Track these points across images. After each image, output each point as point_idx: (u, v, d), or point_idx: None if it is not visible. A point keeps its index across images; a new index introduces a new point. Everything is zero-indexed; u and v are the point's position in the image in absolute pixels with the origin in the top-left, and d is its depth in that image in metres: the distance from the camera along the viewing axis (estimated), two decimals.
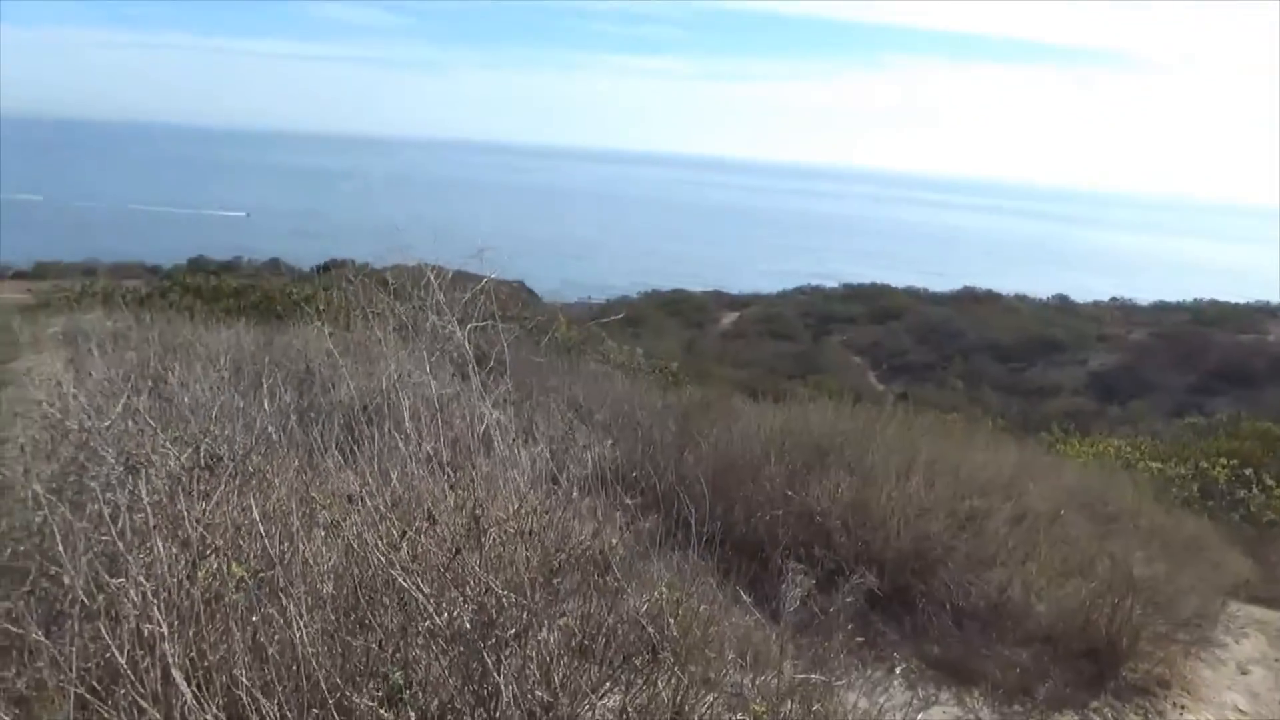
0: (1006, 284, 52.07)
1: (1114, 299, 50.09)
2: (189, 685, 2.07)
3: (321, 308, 10.54)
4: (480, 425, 4.52)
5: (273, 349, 7.67)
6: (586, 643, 2.54)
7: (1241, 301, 45.80)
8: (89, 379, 3.82)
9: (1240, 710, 5.50)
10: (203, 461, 2.85)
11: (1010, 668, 5.22)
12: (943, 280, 53.78)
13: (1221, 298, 47.87)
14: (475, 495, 2.79)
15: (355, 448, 3.86)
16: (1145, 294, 51.36)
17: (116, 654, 2.13)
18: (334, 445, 3.67)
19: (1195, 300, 47.53)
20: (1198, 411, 24.48)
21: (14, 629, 2.18)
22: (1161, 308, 46.96)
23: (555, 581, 2.54)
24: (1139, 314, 45.61)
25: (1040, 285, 52.53)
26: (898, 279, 53.77)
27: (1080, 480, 7.54)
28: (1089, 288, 54.65)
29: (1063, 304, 47.36)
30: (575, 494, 4.67)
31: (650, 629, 2.55)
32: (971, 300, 46.56)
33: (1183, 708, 5.34)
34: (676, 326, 41.18)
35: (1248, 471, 10.88)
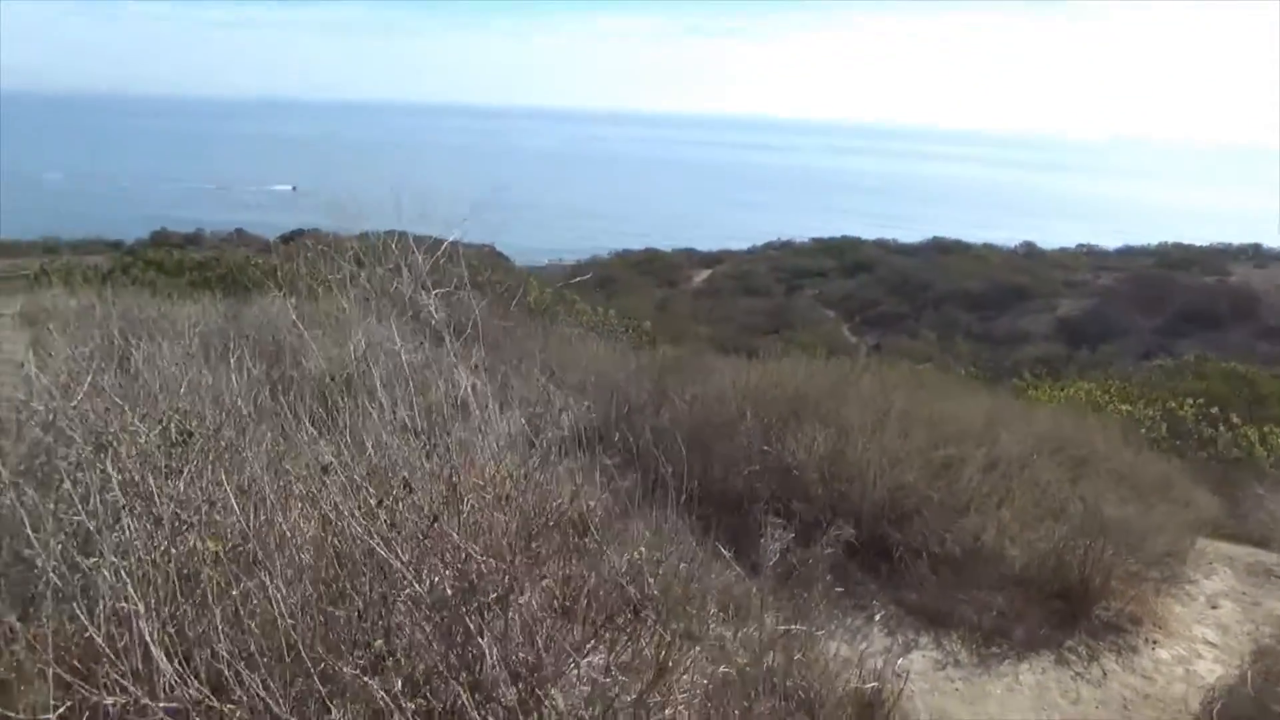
0: (974, 233, 52.34)
1: (1081, 245, 50.51)
2: (170, 661, 2.06)
3: (286, 279, 10.41)
4: (455, 391, 4.49)
5: (240, 322, 7.58)
6: (568, 604, 2.55)
7: (1205, 244, 46.32)
8: (52, 359, 3.76)
9: (1210, 643, 5.64)
10: (173, 438, 2.81)
11: (987, 611, 5.32)
12: (911, 231, 53.91)
13: (1185, 240, 48.39)
14: (451, 462, 2.77)
15: (329, 419, 3.82)
16: (1111, 240, 51.78)
17: (94, 634, 2.12)
18: (307, 417, 3.64)
19: (1160, 244, 48.02)
20: (1165, 354, 24.87)
21: None
22: (1128, 252, 47.43)
23: (534, 545, 2.54)
24: (1106, 260, 46.05)
25: (1007, 234, 52.83)
26: (865, 232, 53.82)
27: (1051, 425, 7.64)
28: (1056, 235, 55.03)
29: (1030, 252, 47.70)
30: (553, 457, 4.69)
31: (631, 588, 2.56)
32: (940, 250, 46.78)
33: (1155, 642, 5.47)
34: (649, 285, 41.10)
35: (1214, 410, 11.10)
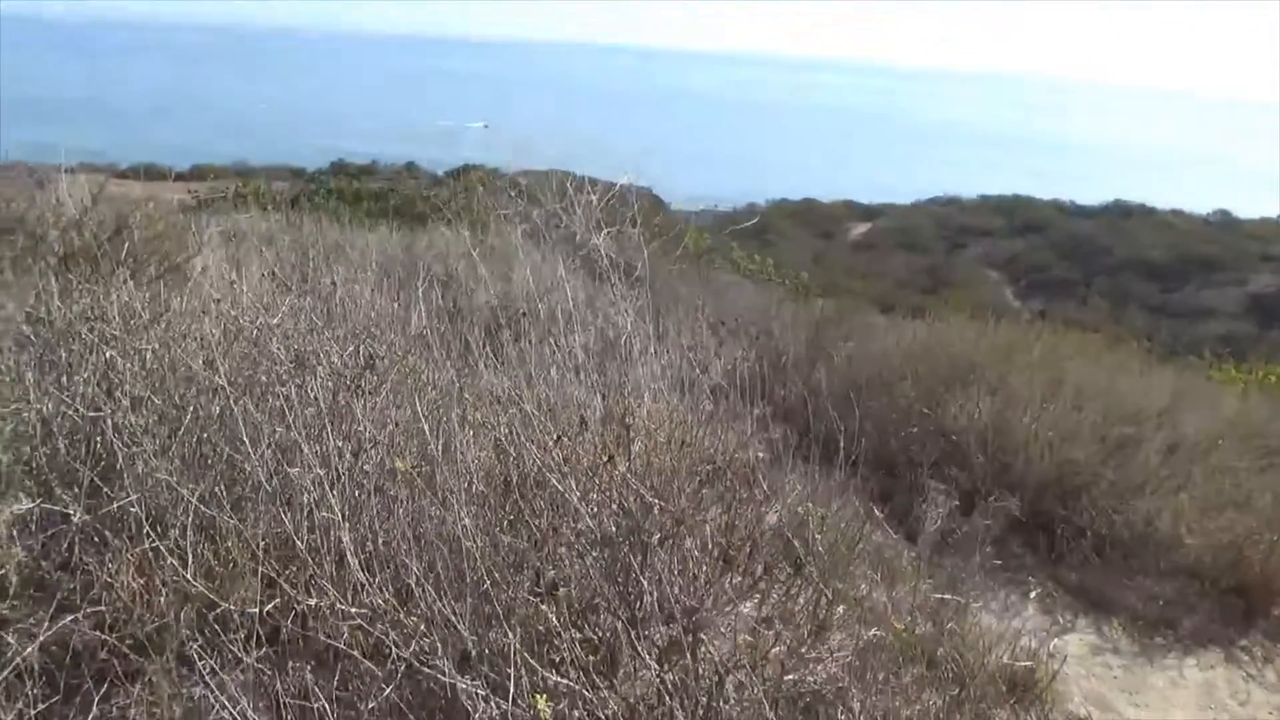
0: (1162, 198, 48.61)
1: None
2: (360, 569, 2.20)
3: (459, 211, 10.76)
4: (620, 332, 4.56)
5: (413, 252, 7.90)
6: (731, 552, 2.57)
7: None
8: (251, 278, 4.02)
9: None
10: (363, 360, 2.97)
11: (1153, 599, 5.06)
12: (1092, 192, 50.57)
13: None
14: (625, 403, 2.83)
15: (500, 351, 3.95)
16: None
17: (295, 537, 2.28)
18: (480, 347, 3.77)
19: None
20: None
21: (206, 510, 2.36)
22: None
23: (703, 491, 2.57)
24: None
25: (1200, 201, 48.85)
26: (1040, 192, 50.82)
27: (1240, 409, 7.10)
28: (1254, 204, 50.54)
29: (1224, 220, 44.04)
30: (709, 404, 4.70)
31: (795, 542, 2.56)
32: (1122, 214, 43.79)
33: None
34: (806, 237, 40.34)
35: None
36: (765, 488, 2.64)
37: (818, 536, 2.56)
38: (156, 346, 2.86)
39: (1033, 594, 5.02)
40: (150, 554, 2.27)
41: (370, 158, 43.95)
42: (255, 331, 3.09)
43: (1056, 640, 4.65)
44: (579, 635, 2.61)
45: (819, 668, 2.86)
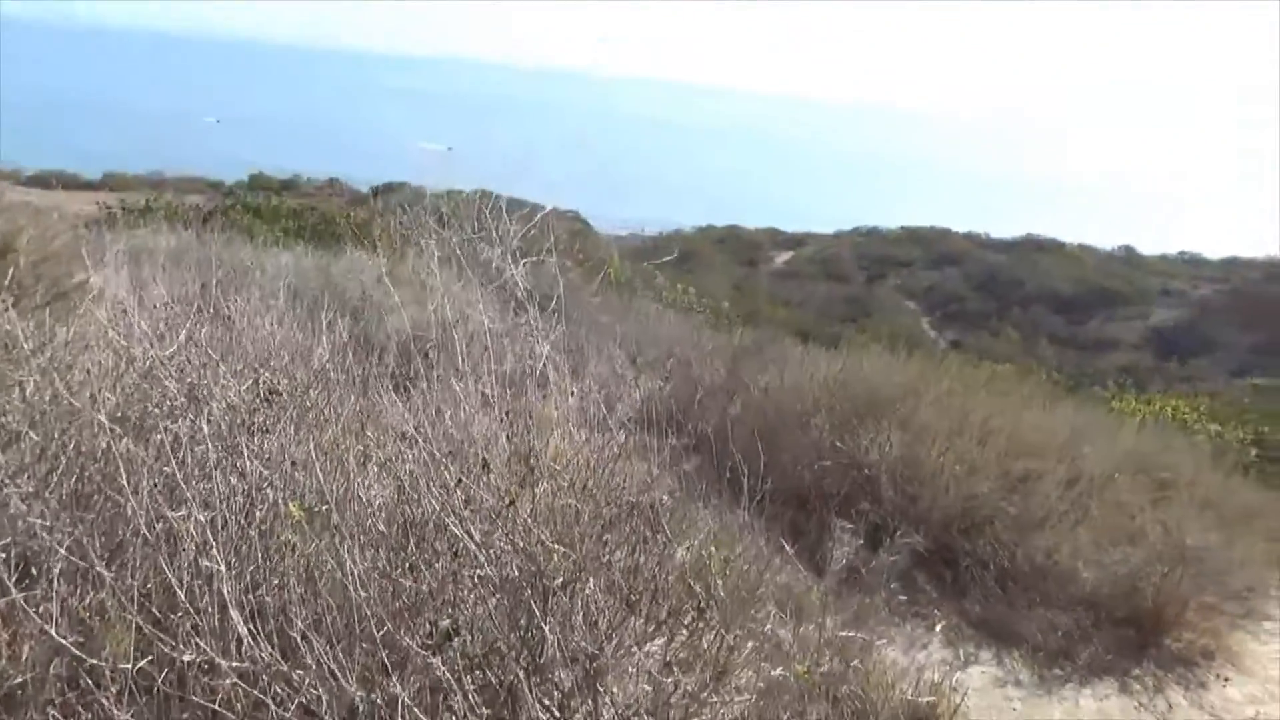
0: (1071, 233, 50.48)
1: (1183, 253, 48.50)
2: (245, 623, 2.12)
3: (377, 233, 10.59)
4: (534, 363, 4.52)
5: (329, 274, 7.75)
6: (633, 596, 2.55)
7: None
8: (150, 303, 3.87)
9: None
10: (262, 394, 2.88)
11: (1052, 631, 5.19)
12: (1005, 226, 52.27)
13: None
14: (529, 441, 2.79)
15: (409, 383, 3.88)
16: (1216, 249, 49.56)
17: (176, 586, 2.19)
18: (388, 380, 3.70)
19: (1270, 257, 45.78)
20: (1261, 373, 23.83)
21: (77, 559, 2.25)
22: (1233, 264, 45.35)
23: (605, 537, 2.55)
24: (1208, 268, 44.15)
25: (1103, 235, 50.87)
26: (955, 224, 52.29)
27: (1136, 443, 7.37)
28: (1156, 240, 52.90)
29: (1128, 255, 45.97)
30: (624, 437, 4.69)
31: (697, 587, 2.55)
32: (1033, 248, 45.37)
33: (1226, 679, 5.27)
34: (729, 263, 40.80)
35: None
36: (668, 533, 2.63)
37: (719, 581, 2.56)
38: (38, 378, 2.73)
39: (938, 628, 5.10)
40: (18, 604, 2.15)
41: (292, 172, 42.97)
42: (147, 363, 2.97)
43: (959, 674, 4.73)
44: (478, 683, 2.56)
45: (722, 710, 2.86)
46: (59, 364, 2.85)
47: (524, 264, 5.64)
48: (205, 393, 2.83)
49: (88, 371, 2.95)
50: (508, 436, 2.88)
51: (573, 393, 4.99)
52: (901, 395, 6.32)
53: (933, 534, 5.33)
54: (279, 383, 2.97)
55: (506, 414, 3.50)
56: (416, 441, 2.93)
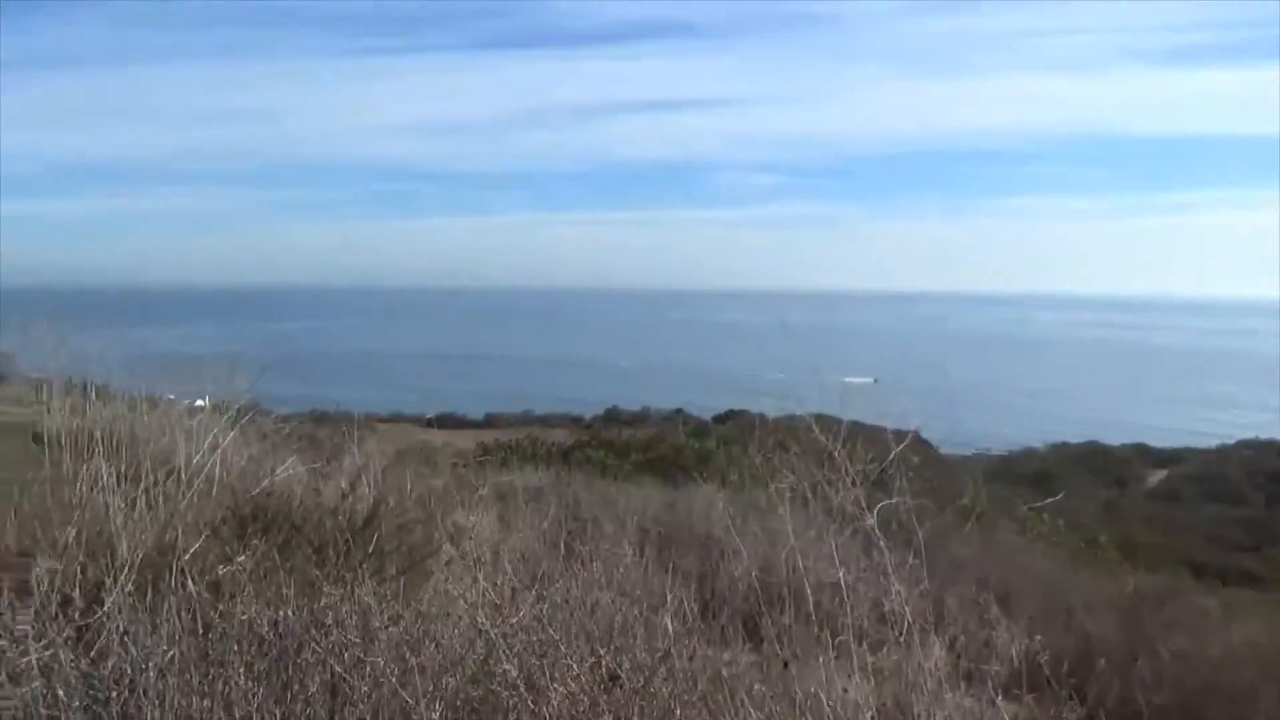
0: None
1: None
2: None
3: (718, 466, 10.71)
4: (893, 614, 4.08)
5: (676, 510, 7.82)
6: None
7: None
8: (503, 561, 3.96)
9: None
10: (603, 681, 2.73)
11: None
12: None
13: None
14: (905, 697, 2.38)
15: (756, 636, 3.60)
16: None
17: None
18: (738, 635, 3.45)
19: None
20: None
21: None
22: None
23: None
24: None
25: None
26: None
27: None
28: None
29: None
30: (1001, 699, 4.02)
31: None
32: None
33: None
34: (1092, 485, 36.94)
35: None
36: None
37: None
38: (384, 662, 2.76)
39: None
40: None
41: (641, 404, 45.95)
42: (484, 649, 2.94)
43: None
44: None
45: None
46: (410, 638, 2.92)
47: (873, 498, 5.31)
48: (544, 677, 2.74)
49: (436, 646, 2.97)
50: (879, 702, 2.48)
51: (934, 640, 4.45)
52: None
53: None
54: (621, 665, 2.82)
55: (869, 671, 3.10)
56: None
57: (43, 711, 2.37)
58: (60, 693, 2.37)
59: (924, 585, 4.62)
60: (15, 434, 6.92)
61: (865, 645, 3.99)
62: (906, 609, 4.02)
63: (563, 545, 4.78)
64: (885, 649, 4.36)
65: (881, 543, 4.43)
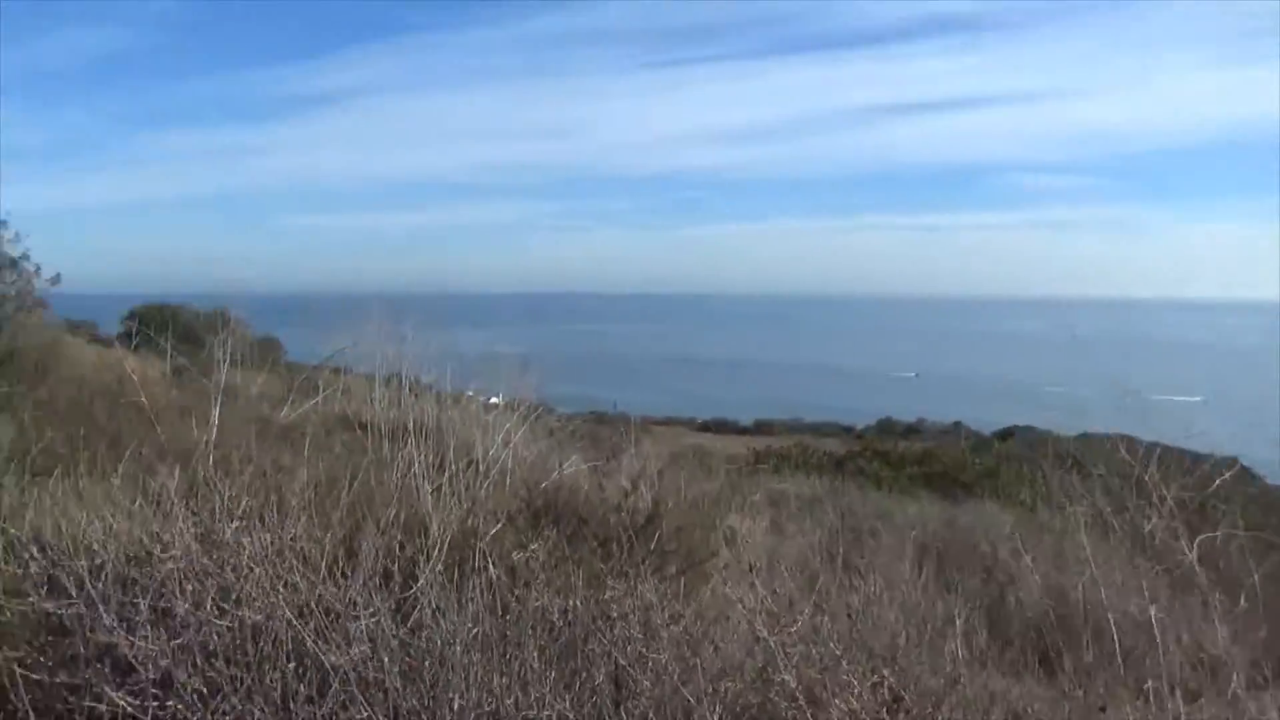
0: None
1: None
2: None
3: (1005, 483, 10.06)
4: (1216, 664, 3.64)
5: (956, 526, 7.44)
6: None
7: None
8: (780, 566, 3.94)
9: None
10: (887, 699, 2.63)
11: None
12: None
13: None
14: None
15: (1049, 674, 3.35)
16: None
17: None
18: (1029, 667, 3.22)
19: None
20: None
21: None
22: None
23: None
24: None
25: None
26: None
27: None
28: None
29: None
30: None
31: None
32: None
33: None
34: None
35: None
36: None
37: None
38: (666, 659, 2.82)
39: None
40: None
41: (917, 415, 43.95)
42: (762, 658, 2.92)
43: None
44: None
45: None
46: (690, 638, 2.96)
47: (1192, 529, 4.77)
48: (824, 691, 2.68)
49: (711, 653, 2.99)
50: None
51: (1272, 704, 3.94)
52: None
53: None
54: (906, 687, 2.70)
55: None
56: None
57: (370, 674, 2.66)
58: (385, 659, 2.65)
59: (1262, 633, 4.04)
60: (345, 424, 7.84)
61: (1178, 694, 3.58)
62: (1234, 657, 3.55)
63: (840, 556, 4.69)
64: (1201, 701, 3.89)
65: (1203, 579, 3.94)
